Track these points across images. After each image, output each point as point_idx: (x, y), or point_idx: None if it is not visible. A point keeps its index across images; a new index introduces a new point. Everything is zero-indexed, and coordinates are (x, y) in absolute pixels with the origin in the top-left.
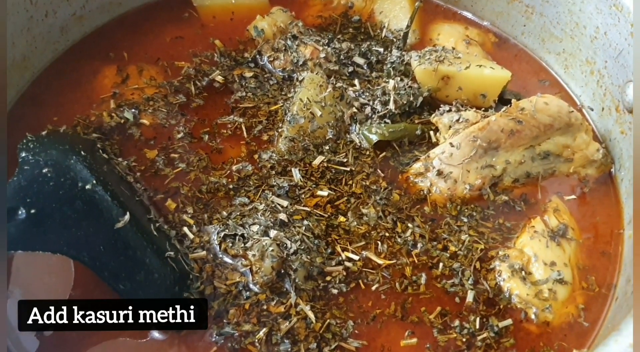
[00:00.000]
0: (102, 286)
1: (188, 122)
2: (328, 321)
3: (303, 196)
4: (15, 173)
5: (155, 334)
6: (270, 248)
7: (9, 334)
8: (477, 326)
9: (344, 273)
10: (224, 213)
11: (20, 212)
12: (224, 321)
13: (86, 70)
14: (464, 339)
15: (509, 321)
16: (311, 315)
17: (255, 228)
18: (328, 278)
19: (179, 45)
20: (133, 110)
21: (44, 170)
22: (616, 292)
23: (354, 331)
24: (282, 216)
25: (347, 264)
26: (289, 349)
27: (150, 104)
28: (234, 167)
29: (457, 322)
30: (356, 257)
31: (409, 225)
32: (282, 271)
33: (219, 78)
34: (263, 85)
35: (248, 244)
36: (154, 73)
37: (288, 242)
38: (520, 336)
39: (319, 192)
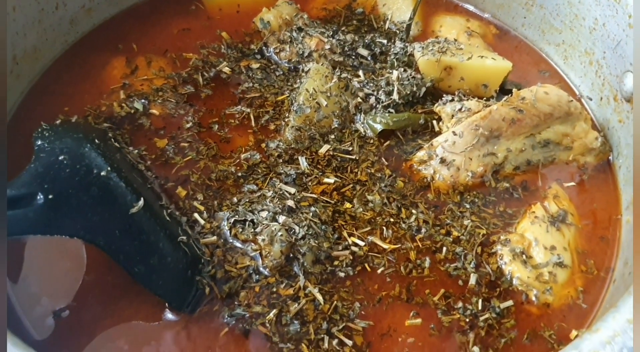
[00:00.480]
0: (114, 270)
1: (196, 112)
2: (335, 302)
3: (310, 183)
4: (32, 160)
5: (169, 315)
6: (279, 233)
7: (27, 316)
8: (480, 308)
9: (351, 257)
10: (234, 200)
11: (38, 198)
12: (235, 303)
13: (95, 62)
14: (467, 320)
15: (509, 302)
16: (319, 297)
17: (264, 214)
18: (335, 262)
19: (186, 37)
20: (143, 100)
21: (59, 158)
22: (614, 275)
23: (360, 312)
24: (290, 203)
25: (354, 248)
26: (299, 330)
27: (160, 94)
28: (242, 156)
29: (460, 304)
30: (362, 243)
31: (413, 211)
32: (291, 255)
33: (226, 69)
34: (269, 76)
35: (258, 230)
36: (162, 64)
37: (296, 228)
38: (522, 317)
39: (326, 180)
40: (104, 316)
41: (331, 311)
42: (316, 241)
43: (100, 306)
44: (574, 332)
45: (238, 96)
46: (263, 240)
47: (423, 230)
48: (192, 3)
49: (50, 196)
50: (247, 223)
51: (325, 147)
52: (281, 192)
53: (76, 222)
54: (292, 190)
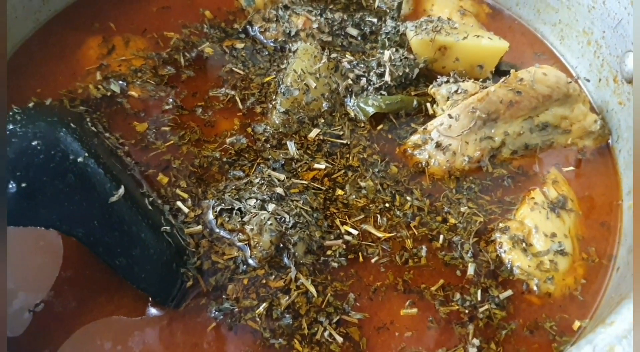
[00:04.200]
0: (92, 264)
1: (178, 94)
2: (329, 294)
3: (300, 169)
4: None
5: (152, 310)
6: (269, 222)
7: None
8: (479, 298)
9: (344, 247)
10: (220, 187)
11: (10, 186)
12: (223, 296)
13: (70, 41)
14: (466, 311)
15: (509, 292)
16: (312, 289)
17: (252, 202)
18: (328, 252)
19: (166, 16)
20: (120, 82)
21: (33, 143)
22: (617, 263)
23: (355, 303)
24: (279, 190)
25: (347, 237)
26: (291, 324)
27: (138, 75)
28: (227, 140)
29: (458, 296)
30: (355, 232)
31: (408, 198)
32: (281, 245)
33: (209, 50)
34: (254, 57)
35: (245, 219)
36: (140, 44)
37: (286, 216)
38: (523, 307)
39: (316, 166)
40: (83, 312)
41: (325, 304)
42: (307, 230)
43: (78, 302)
44: (576, 323)
45: (222, 78)
46: (252, 229)
47: (418, 217)
48: None
49: (23, 185)
50: (234, 212)
51: (314, 131)
52: (270, 178)
53: (52, 212)
54: (282, 176)
